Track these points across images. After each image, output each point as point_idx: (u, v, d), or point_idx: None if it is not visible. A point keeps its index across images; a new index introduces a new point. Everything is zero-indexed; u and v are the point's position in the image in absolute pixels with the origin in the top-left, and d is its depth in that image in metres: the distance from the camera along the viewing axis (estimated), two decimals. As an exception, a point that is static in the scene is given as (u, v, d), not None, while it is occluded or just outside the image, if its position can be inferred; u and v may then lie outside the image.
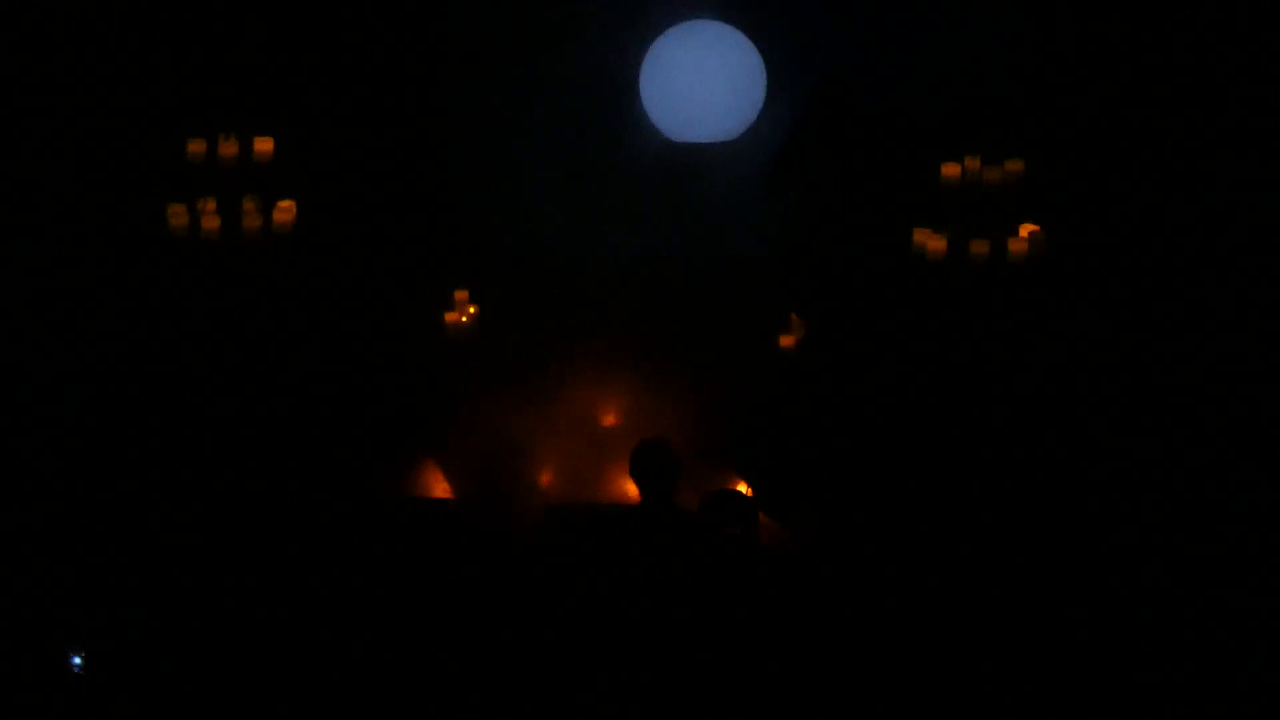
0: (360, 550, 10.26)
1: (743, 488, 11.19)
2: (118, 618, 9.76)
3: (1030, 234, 11.52)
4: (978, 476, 11.06)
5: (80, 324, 11.52)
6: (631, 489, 8.96)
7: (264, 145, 11.61)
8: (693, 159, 12.15)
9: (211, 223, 11.44)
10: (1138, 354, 11.36)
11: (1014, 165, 11.56)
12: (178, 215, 11.42)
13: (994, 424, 11.31)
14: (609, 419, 11.99)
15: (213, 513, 10.77)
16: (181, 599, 9.94)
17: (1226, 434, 10.94)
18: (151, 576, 10.15)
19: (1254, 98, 11.46)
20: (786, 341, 11.91)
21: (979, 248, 11.46)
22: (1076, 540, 10.54)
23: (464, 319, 12.08)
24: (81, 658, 9.31)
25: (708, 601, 8.29)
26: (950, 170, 11.55)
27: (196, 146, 11.49)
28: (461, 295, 12.07)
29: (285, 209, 11.59)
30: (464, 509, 11.18)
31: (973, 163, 11.56)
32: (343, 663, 9.31)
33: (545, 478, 11.82)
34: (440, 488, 11.68)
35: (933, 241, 11.54)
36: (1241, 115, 11.47)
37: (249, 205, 11.60)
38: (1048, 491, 10.89)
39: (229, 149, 11.51)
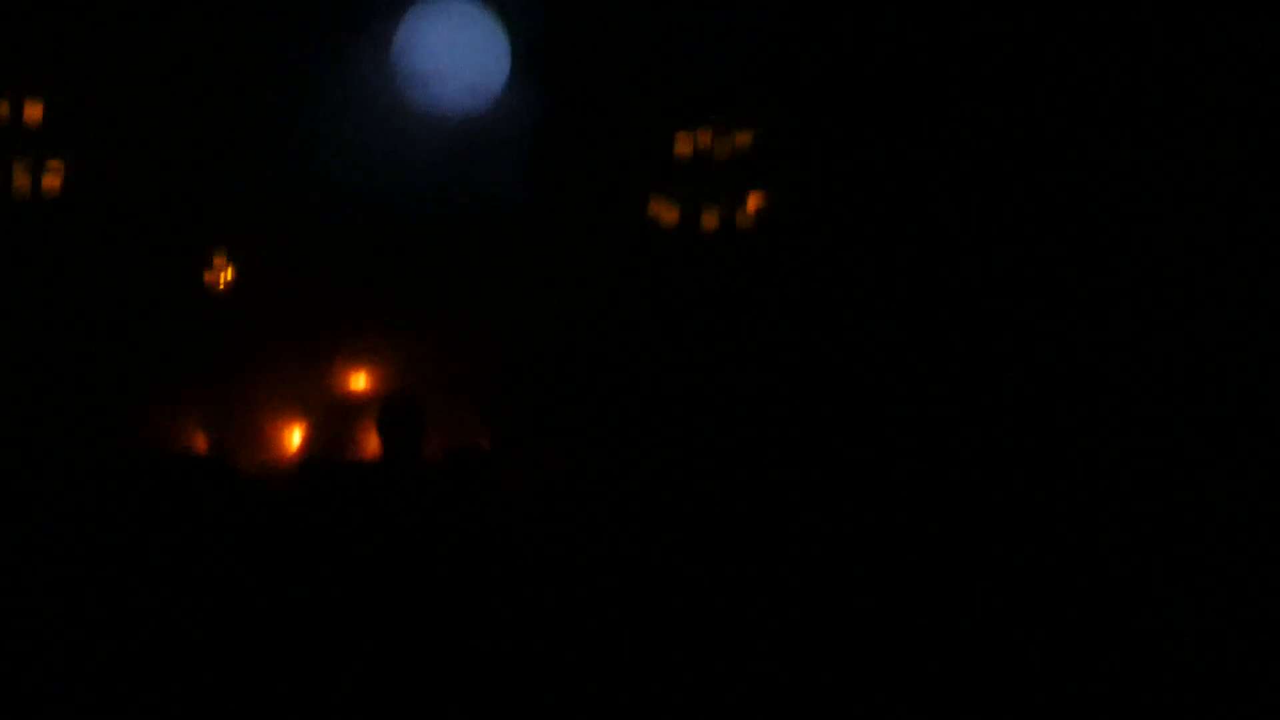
0: (118, 505, 10.38)
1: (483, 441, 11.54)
2: None
3: (758, 203, 11.92)
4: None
5: None
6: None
7: (33, 110, 11.68)
8: (445, 127, 12.46)
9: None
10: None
11: (743, 138, 11.93)
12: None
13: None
14: (363, 383, 12.27)
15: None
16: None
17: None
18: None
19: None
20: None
21: (709, 218, 11.89)
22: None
23: (221, 281, 12.28)
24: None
25: (454, 554, 8.29)
26: (684, 143, 11.93)
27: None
28: (219, 257, 12.30)
29: (54, 169, 11.70)
30: (219, 464, 11.36)
31: (704, 136, 11.93)
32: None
33: (300, 436, 12.09)
34: (198, 444, 11.90)
35: (667, 211, 11.98)
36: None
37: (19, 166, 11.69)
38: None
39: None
